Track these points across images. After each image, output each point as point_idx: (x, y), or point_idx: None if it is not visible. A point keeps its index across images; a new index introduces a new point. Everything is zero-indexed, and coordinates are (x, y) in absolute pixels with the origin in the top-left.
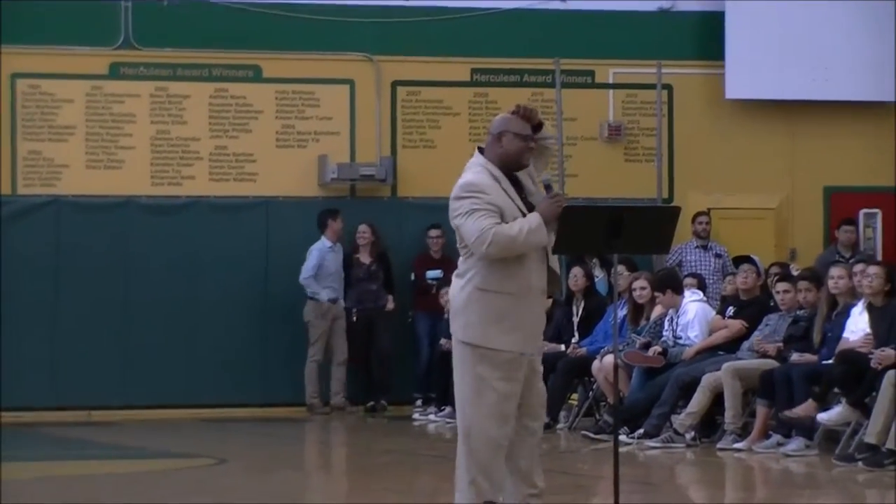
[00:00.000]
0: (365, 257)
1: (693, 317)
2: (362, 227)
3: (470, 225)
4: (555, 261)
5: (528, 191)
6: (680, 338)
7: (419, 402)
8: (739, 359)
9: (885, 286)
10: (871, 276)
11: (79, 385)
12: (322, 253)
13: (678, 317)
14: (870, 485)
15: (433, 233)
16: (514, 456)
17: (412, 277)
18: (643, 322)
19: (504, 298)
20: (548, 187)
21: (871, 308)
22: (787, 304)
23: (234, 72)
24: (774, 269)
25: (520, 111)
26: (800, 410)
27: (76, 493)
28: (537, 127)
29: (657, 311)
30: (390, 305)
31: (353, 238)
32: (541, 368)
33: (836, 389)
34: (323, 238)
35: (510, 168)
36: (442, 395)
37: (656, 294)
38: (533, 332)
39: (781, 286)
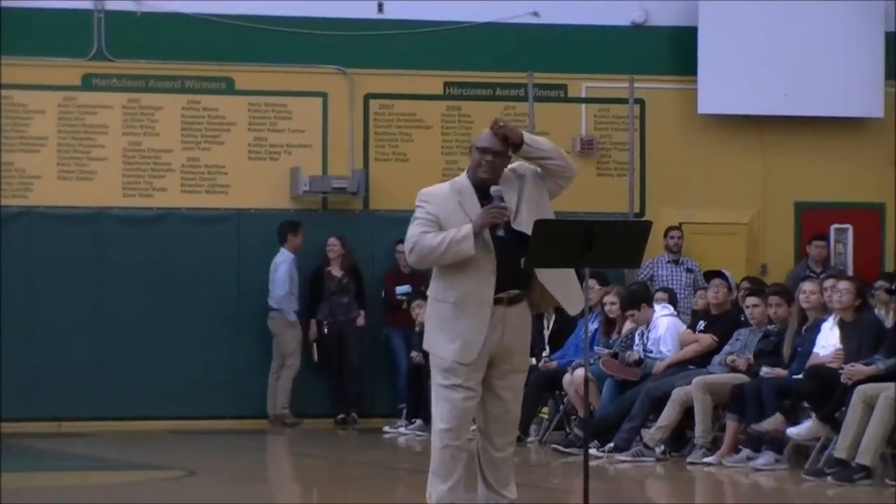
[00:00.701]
0: (336, 270)
1: (664, 331)
2: (332, 240)
3: (408, 233)
4: (552, 278)
5: (508, 208)
6: (650, 352)
7: (405, 412)
8: (710, 373)
9: (855, 301)
10: (841, 292)
11: (50, 396)
12: (290, 265)
13: (649, 331)
14: (839, 499)
15: (401, 247)
16: (483, 467)
17: (383, 294)
18: (614, 336)
19: (445, 307)
20: (499, 199)
21: (841, 323)
22: (757, 318)
23: (206, 84)
24: (745, 284)
25: (491, 125)
26: (768, 424)
27: None
28: (515, 145)
29: (628, 325)
30: (361, 322)
31: (323, 251)
32: (515, 386)
33: (805, 404)
34: (284, 250)
35: (478, 182)
36: (412, 408)
37: (630, 312)
38: (470, 342)
39: (751, 300)
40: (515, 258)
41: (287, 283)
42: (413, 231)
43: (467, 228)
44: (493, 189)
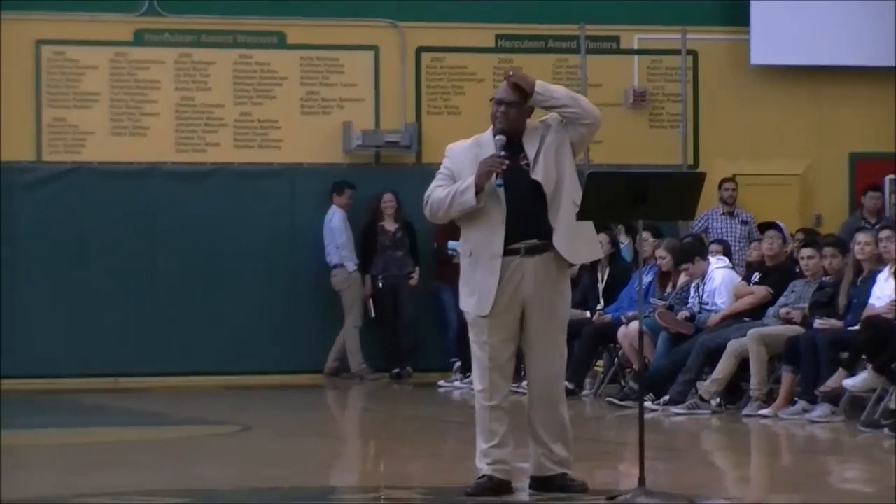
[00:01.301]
0: (390, 225)
1: (720, 283)
2: (387, 196)
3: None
4: (565, 226)
5: (528, 157)
6: (706, 304)
7: (458, 366)
8: (765, 325)
9: None
10: None
11: (104, 353)
12: (344, 221)
13: (704, 284)
14: (895, 451)
15: None
16: (532, 423)
17: (434, 247)
18: (669, 289)
19: (465, 261)
20: (500, 147)
21: None
22: (812, 270)
23: (258, 38)
24: (800, 235)
25: (505, 75)
26: (832, 383)
27: (101, 460)
28: (527, 95)
29: (682, 278)
30: (414, 281)
31: (375, 206)
32: (549, 339)
33: (861, 356)
34: (335, 208)
35: (497, 133)
36: (467, 363)
37: (684, 266)
38: (484, 295)
39: (806, 252)
40: (533, 207)
41: (343, 232)
42: (431, 186)
43: (470, 180)
44: (497, 138)
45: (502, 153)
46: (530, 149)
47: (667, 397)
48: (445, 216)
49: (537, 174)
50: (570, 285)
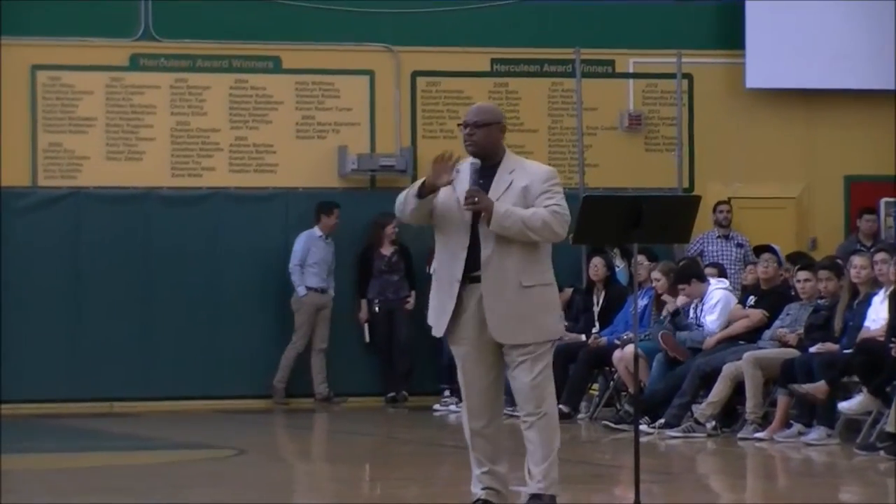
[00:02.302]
0: (386, 249)
1: (715, 303)
2: (392, 223)
3: None
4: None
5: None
6: (701, 325)
7: (447, 393)
8: (760, 348)
9: None
10: None
11: (99, 377)
12: (309, 240)
13: (703, 304)
14: (891, 474)
15: None
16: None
17: (427, 271)
18: (664, 312)
19: (433, 281)
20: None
21: (893, 297)
22: (808, 293)
23: (253, 63)
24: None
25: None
26: (810, 387)
27: (96, 484)
28: (492, 114)
29: (680, 300)
30: (410, 304)
31: (371, 230)
32: (522, 363)
33: (856, 378)
34: (316, 227)
35: (470, 154)
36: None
37: (681, 286)
38: (440, 317)
39: (802, 275)
40: (493, 239)
41: (298, 256)
42: None
43: (419, 182)
44: (457, 169)
45: (453, 166)
46: (496, 187)
47: (662, 420)
48: (406, 216)
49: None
50: (544, 310)
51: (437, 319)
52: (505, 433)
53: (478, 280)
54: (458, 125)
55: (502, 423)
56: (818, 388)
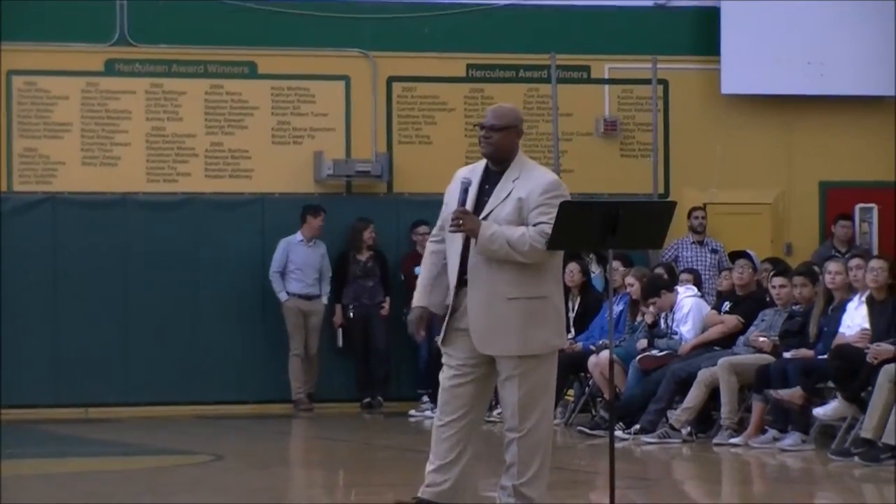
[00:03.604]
0: (361, 254)
1: (687, 311)
2: (370, 229)
3: None
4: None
5: (494, 196)
6: (675, 334)
7: (425, 399)
8: (735, 354)
9: (888, 280)
10: (875, 270)
11: (77, 382)
12: (288, 245)
13: (673, 313)
14: (866, 479)
15: (420, 230)
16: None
17: (402, 277)
18: (640, 318)
19: None
20: (464, 189)
21: (871, 301)
22: (783, 299)
23: (229, 68)
24: (766, 265)
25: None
26: (786, 394)
27: (75, 491)
28: (511, 116)
29: (648, 318)
30: (386, 310)
31: (347, 235)
32: (508, 371)
33: (831, 384)
34: (298, 233)
35: (484, 157)
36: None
37: (651, 300)
38: (444, 324)
39: (777, 281)
40: None
41: (277, 262)
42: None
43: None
44: (462, 180)
45: (456, 215)
46: (496, 195)
47: (637, 426)
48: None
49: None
50: (531, 323)
51: (443, 326)
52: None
53: (466, 284)
54: (476, 125)
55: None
56: (794, 394)
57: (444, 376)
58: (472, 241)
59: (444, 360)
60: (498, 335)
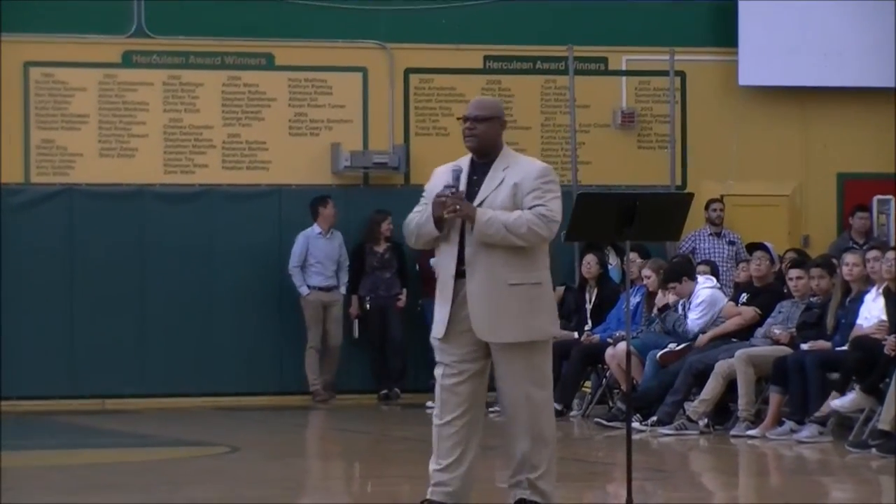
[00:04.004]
0: (378, 246)
1: (701, 301)
2: (388, 221)
3: None
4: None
5: (486, 184)
6: (686, 317)
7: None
8: (753, 346)
9: None
10: (892, 262)
11: (93, 374)
12: (307, 239)
13: (689, 303)
14: (883, 471)
15: None
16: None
17: (416, 268)
18: (656, 311)
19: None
20: (456, 178)
21: (887, 293)
22: (801, 290)
23: (246, 60)
24: (791, 255)
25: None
26: (824, 407)
27: (91, 482)
28: (493, 108)
29: (670, 299)
30: (402, 301)
31: (364, 227)
32: (506, 363)
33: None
34: (314, 225)
35: (469, 150)
36: None
37: (672, 284)
38: (440, 317)
39: (795, 273)
40: None
41: (297, 257)
42: (412, 212)
43: (429, 210)
44: (453, 169)
45: (452, 188)
46: (488, 184)
47: (655, 418)
48: (419, 244)
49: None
50: (531, 310)
51: (438, 322)
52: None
53: (464, 275)
54: (458, 119)
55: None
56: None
57: (440, 374)
58: (469, 227)
59: (438, 357)
60: (501, 322)
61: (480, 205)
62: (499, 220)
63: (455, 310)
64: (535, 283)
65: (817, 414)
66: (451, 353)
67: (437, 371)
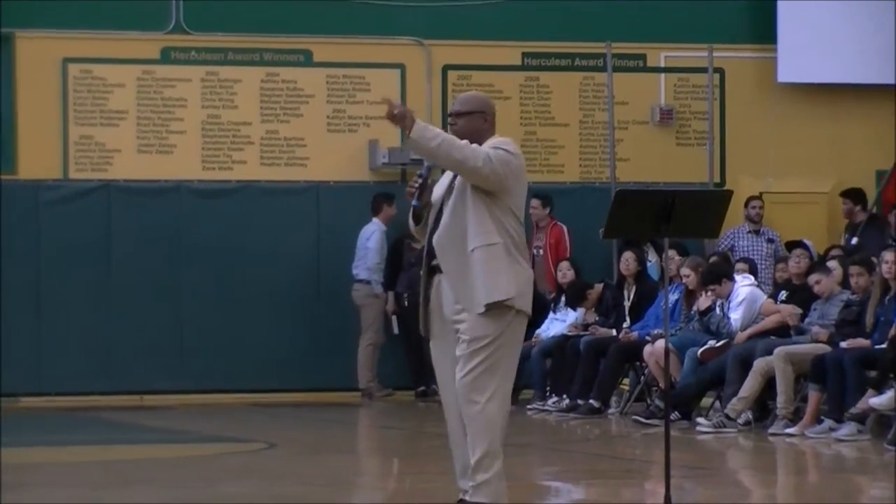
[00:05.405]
0: (416, 242)
1: (741, 300)
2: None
3: None
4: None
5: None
6: (728, 319)
7: None
8: (794, 342)
9: None
10: None
11: (130, 369)
12: (383, 237)
13: (729, 303)
14: None
15: None
16: None
17: None
18: (695, 309)
19: None
20: (426, 169)
21: None
22: (823, 291)
23: (284, 56)
24: (835, 252)
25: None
26: (861, 404)
27: (127, 477)
28: (477, 102)
29: (709, 299)
30: None
31: (401, 223)
32: (465, 353)
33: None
34: (377, 221)
35: None
36: None
37: (711, 286)
38: (422, 318)
39: (813, 278)
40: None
41: (379, 253)
42: None
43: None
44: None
45: (420, 176)
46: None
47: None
48: (418, 236)
49: (446, 206)
50: (483, 273)
51: (421, 321)
52: None
53: (438, 270)
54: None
55: None
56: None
57: (437, 377)
58: (405, 134)
59: (435, 354)
60: (466, 289)
61: (453, 184)
62: (441, 132)
63: (432, 305)
64: (490, 243)
65: (853, 410)
66: (440, 353)
67: (437, 366)
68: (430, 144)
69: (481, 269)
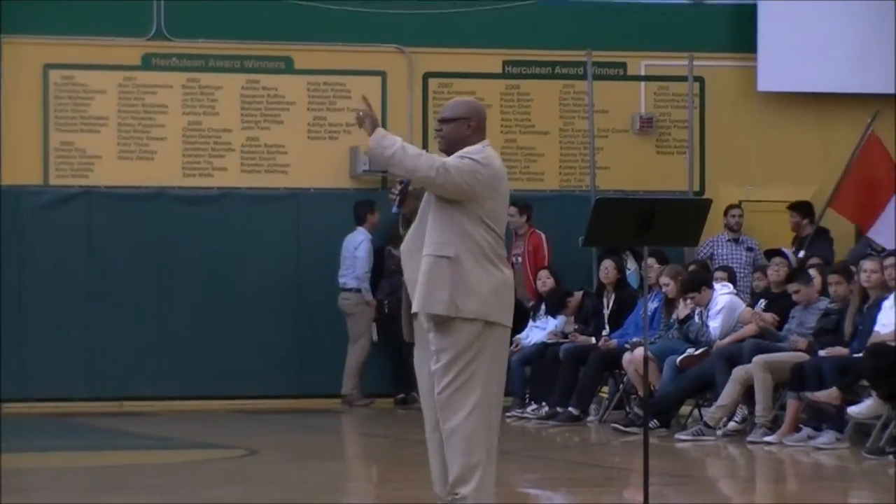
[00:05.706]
0: (397, 250)
1: (720, 308)
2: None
3: None
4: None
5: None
6: (708, 328)
7: None
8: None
9: None
10: None
11: (112, 376)
12: (370, 245)
13: (708, 311)
14: None
15: None
16: None
17: None
18: (674, 317)
19: None
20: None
21: None
22: (802, 299)
23: (265, 63)
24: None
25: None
26: (822, 395)
27: (109, 483)
28: (461, 108)
29: (688, 307)
30: None
31: (382, 230)
32: (435, 365)
33: (866, 382)
34: (363, 230)
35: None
36: None
37: (690, 294)
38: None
39: (792, 287)
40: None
41: (368, 262)
42: None
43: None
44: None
45: (399, 183)
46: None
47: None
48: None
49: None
50: (432, 283)
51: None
52: None
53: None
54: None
55: None
56: (830, 394)
57: (420, 376)
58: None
59: (417, 362)
60: (418, 290)
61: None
62: (400, 141)
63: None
64: (441, 255)
65: (810, 396)
66: (422, 359)
67: (419, 374)
68: (385, 153)
69: (423, 279)
